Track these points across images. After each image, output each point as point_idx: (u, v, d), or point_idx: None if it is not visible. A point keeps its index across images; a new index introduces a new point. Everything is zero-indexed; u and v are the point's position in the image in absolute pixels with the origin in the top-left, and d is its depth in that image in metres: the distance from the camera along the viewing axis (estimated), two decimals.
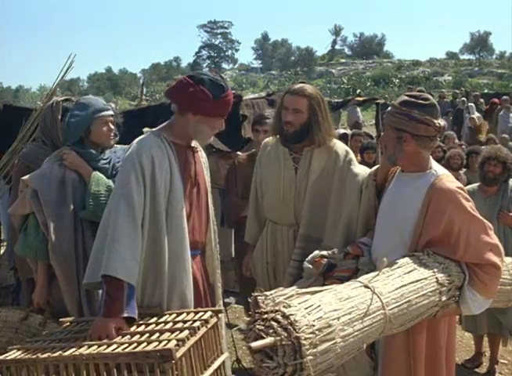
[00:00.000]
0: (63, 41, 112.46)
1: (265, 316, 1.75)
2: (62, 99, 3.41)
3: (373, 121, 12.27)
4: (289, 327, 1.68)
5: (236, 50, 56.45)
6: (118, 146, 3.05)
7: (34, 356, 2.02)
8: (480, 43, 48.04)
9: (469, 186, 3.96)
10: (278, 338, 1.67)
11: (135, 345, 1.98)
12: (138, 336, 2.08)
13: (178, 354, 1.91)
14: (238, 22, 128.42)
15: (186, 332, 2.02)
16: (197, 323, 2.10)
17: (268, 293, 2.16)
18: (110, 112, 2.92)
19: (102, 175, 2.83)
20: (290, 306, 1.77)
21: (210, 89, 2.33)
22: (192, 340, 2.02)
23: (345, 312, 1.83)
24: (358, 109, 14.27)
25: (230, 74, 43.03)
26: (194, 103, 2.34)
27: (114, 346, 2.00)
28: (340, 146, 3.07)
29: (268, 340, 1.67)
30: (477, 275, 2.22)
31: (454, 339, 2.50)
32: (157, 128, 2.47)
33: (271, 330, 1.69)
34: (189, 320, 2.15)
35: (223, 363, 2.25)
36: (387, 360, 2.34)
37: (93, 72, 51.02)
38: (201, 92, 2.31)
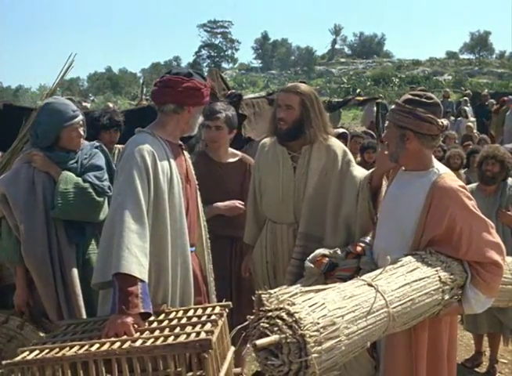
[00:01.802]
0: (63, 41, 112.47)
1: (270, 313, 1.75)
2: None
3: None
4: (294, 324, 1.68)
5: (236, 50, 56.41)
6: (86, 142, 3.05)
7: (60, 354, 1.94)
8: (480, 43, 48.05)
9: (468, 186, 3.97)
10: (283, 335, 1.67)
11: (163, 338, 1.96)
12: (158, 331, 2.06)
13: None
14: (238, 21, 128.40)
15: (209, 324, 2.03)
16: (214, 317, 2.12)
17: (271, 291, 2.16)
18: (80, 118, 2.88)
19: (70, 174, 2.83)
20: (294, 304, 1.77)
21: (199, 79, 2.45)
22: (217, 331, 2.03)
23: (349, 310, 1.83)
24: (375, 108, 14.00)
25: (230, 73, 42.99)
26: (194, 95, 2.42)
27: (140, 341, 1.96)
28: (338, 146, 3.10)
29: (273, 338, 1.67)
30: (479, 274, 2.23)
31: (456, 338, 2.50)
32: (148, 127, 2.48)
33: (275, 328, 1.69)
34: (201, 315, 2.16)
35: (232, 356, 2.28)
36: (389, 359, 2.34)
37: (93, 72, 51.05)
38: (198, 83, 2.42)
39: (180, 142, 2.58)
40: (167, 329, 2.07)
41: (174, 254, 2.35)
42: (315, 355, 1.67)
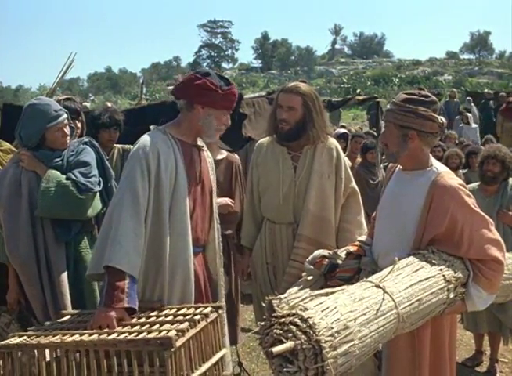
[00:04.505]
0: (63, 41, 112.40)
1: (283, 319, 1.73)
2: (63, 98, 3.42)
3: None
4: (308, 330, 1.66)
5: (236, 50, 56.34)
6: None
7: (36, 342, 2.04)
8: (480, 43, 48.04)
9: (469, 185, 3.96)
10: (298, 341, 1.65)
11: (136, 334, 2.00)
12: (138, 326, 2.10)
13: (178, 343, 1.93)
14: (238, 21, 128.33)
15: (186, 324, 2.05)
16: (197, 317, 2.13)
17: (281, 296, 2.15)
18: (64, 117, 2.87)
19: (55, 172, 2.82)
20: (307, 309, 1.75)
21: (216, 80, 2.39)
22: (192, 332, 2.05)
23: (360, 313, 1.82)
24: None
25: (230, 73, 42.91)
26: (202, 94, 2.38)
27: (115, 335, 2.02)
28: (336, 147, 3.16)
29: (289, 344, 1.65)
30: (481, 271, 2.23)
31: (455, 337, 2.50)
32: (165, 125, 2.50)
33: (290, 334, 1.67)
34: (189, 314, 2.18)
35: (222, 358, 2.26)
36: (392, 358, 2.33)
37: (93, 72, 51.06)
38: (209, 83, 2.37)
39: (198, 144, 2.56)
40: (147, 325, 2.10)
41: (173, 254, 2.35)
42: (332, 360, 1.66)
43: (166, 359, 1.90)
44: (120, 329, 2.10)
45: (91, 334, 2.05)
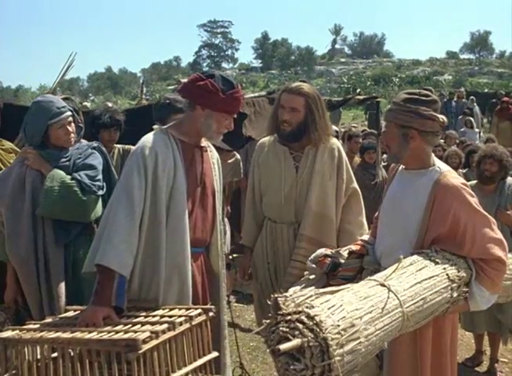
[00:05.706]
0: (63, 41, 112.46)
1: (289, 317, 1.72)
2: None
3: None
4: (315, 327, 1.65)
5: (236, 49, 56.40)
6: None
7: (18, 337, 2.08)
8: (480, 42, 48.07)
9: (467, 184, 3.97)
10: (305, 339, 1.64)
11: (113, 333, 1.99)
12: (121, 326, 2.09)
13: (147, 346, 1.90)
14: (238, 21, 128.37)
15: (165, 326, 2.03)
16: (180, 319, 2.10)
17: (287, 294, 2.14)
18: (67, 114, 2.86)
19: (59, 171, 2.81)
20: (313, 307, 1.74)
21: (219, 83, 2.37)
22: (169, 334, 2.01)
23: (366, 311, 1.81)
24: None
25: (230, 73, 42.90)
26: (203, 96, 2.37)
27: (94, 333, 2.02)
28: (338, 147, 3.15)
29: (295, 342, 1.64)
30: (483, 270, 2.23)
31: (456, 336, 2.49)
32: (167, 125, 2.50)
33: (296, 332, 1.66)
34: (175, 316, 2.15)
35: (210, 361, 2.21)
36: (394, 356, 2.33)
37: (93, 71, 51.09)
38: (210, 85, 2.35)
39: (202, 144, 2.54)
40: (129, 325, 2.09)
41: (170, 254, 2.34)
42: (338, 358, 1.65)
43: (132, 362, 1.88)
44: (101, 328, 2.09)
45: (73, 332, 2.05)
